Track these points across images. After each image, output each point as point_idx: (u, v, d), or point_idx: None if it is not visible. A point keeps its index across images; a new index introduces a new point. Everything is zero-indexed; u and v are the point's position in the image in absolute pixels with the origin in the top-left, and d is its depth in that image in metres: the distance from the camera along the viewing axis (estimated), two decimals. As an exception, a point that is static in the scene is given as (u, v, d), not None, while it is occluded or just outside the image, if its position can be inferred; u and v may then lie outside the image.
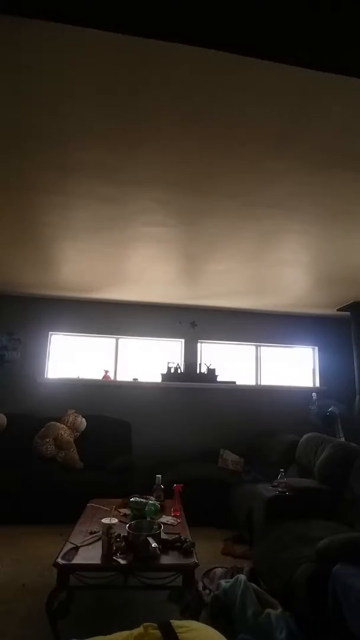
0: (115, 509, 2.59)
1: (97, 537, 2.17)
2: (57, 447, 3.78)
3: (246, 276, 3.76)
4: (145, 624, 0.93)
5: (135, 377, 4.80)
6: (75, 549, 2.08)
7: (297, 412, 4.70)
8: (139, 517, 2.43)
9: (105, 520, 2.10)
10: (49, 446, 3.74)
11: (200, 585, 2.32)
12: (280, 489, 2.78)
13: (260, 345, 5.31)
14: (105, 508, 2.66)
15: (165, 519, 2.52)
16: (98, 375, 4.77)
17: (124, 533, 2.14)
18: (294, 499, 2.72)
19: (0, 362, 4.52)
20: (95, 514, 2.58)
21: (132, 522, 2.27)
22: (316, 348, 5.40)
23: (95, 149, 1.79)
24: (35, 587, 2.38)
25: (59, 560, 1.97)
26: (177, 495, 2.72)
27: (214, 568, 2.56)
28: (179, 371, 4.82)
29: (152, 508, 2.50)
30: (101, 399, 4.54)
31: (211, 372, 4.86)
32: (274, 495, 2.73)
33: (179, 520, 2.53)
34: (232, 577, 2.28)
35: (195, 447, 4.46)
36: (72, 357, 4.90)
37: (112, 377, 4.84)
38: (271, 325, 5.23)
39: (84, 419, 4.06)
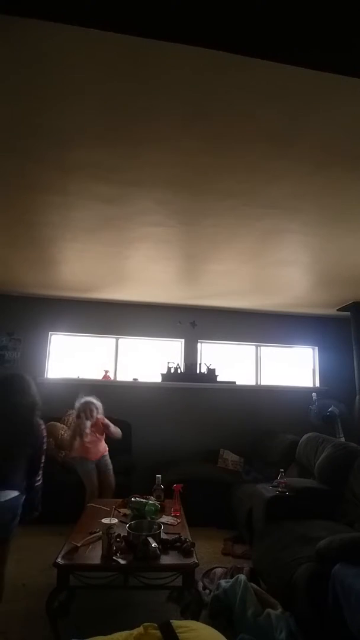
0: (115, 509, 2.59)
1: (97, 537, 2.18)
2: (57, 447, 3.77)
3: (246, 276, 3.76)
4: (145, 624, 0.93)
5: (135, 377, 4.80)
6: (75, 549, 2.08)
7: (297, 412, 4.70)
8: (139, 517, 2.43)
9: (105, 520, 2.10)
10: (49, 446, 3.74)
11: (200, 585, 2.32)
12: (280, 489, 2.78)
13: (260, 345, 5.31)
14: (105, 508, 2.66)
15: (165, 519, 2.52)
16: (98, 375, 4.77)
17: (124, 533, 2.14)
18: (294, 499, 2.72)
19: (0, 362, 4.52)
20: (95, 514, 2.58)
21: (132, 522, 2.27)
22: (316, 348, 5.40)
23: (95, 149, 1.79)
24: (35, 587, 2.38)
25: (59, 560, 1.97)
26: (177, 495, 2.72)
27: (214, 568, 2.56)
28: (179, 371, 4.81)
29: (152, 508, 2.50)
30: (101, 399, 4.52)
31: (211, 372, 4.86)
32: (274, 495, 2.73)
33: (179, 520, 2.53)
34: (232, 577, 2.28)
35: (195, 447, 4.45)
36: (72, 357, 4.90)
37: (112, 377, 4.84)
38: (271, 325, 5.23)
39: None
